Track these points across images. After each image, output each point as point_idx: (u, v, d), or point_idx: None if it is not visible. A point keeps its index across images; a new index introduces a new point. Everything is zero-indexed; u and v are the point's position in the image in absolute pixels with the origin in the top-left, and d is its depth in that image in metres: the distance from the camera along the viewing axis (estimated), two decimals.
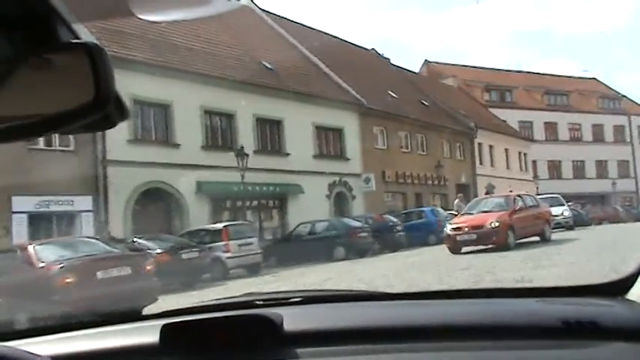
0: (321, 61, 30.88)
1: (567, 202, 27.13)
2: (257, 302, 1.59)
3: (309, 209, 24.12)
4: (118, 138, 18.62)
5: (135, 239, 15.01)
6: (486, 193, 31.22)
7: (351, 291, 2.29)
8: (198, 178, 21.97)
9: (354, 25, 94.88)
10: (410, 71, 44.84)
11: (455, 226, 16.48)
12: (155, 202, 20.83)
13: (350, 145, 29.26)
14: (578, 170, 52.22)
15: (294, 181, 25.49)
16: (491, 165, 41.33)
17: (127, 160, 19.38)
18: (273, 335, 1.30)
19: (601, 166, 53.16)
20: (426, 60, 51.74)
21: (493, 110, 47.82)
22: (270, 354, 1.30)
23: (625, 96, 56.99)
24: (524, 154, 46.10)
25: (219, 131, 23.81)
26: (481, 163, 40.15)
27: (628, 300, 1.34)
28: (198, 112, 22.47)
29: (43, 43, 0.76)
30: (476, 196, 29.80)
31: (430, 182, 33.90)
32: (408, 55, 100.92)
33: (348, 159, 29.14)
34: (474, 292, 1.80)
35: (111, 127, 0.82)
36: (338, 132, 29.03)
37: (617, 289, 1.38)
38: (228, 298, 1.81)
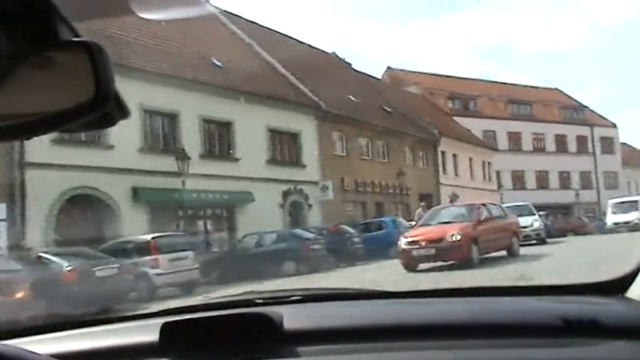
0: (277, 61, 28.85)
1: (538, 211, 24.86)
2: (257, 300, 1.58)
3: (261, 219, 21.94)
4: (39, 137, 16.18)
5: (41, 253, 12.63)
6: (450, 203, 29.51)
7: (351, 289, 2.02)
8: (134, 183, 19.66)
9: (316, 30, 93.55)
10: (372, 77, 43.17)
11: (410, 239, 14.20)
12: (84, 211, 18.45)
13: (307, 151, 27.22)
14: (542, 181, 51.15)
15: (245, 189, 23.32)
16: (455, 174, 39.77)
17: (50, 162, 16.98)
18: (273, 333, 1.28)
19: (564, 176, 52.20)
20: (388, 67, 50.21)
21: (457, 119, 46.40)
22: (270, 352, 1.28)
23: (587, 106, 56.31)
24: (489, 163, 44.73)
25: (161, 133, 21.51)
26: (445, 172, 38.54)
27: (627, 298, 1.34)
28: (136, 111, 20.10)
29: (43, 41, 0.75)
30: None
31: (392, 191, 32.04)
32: (370, 62, 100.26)
33: (304, 165, 27.09)
34: (473, 290, 1.67)
35: (111, 126, 0.81)
36: (294, 136, 26.99)
37: (616, 287, 1.38)
38: (228, 296, 1.80)
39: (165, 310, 1.63)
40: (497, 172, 46.41)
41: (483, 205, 16.21)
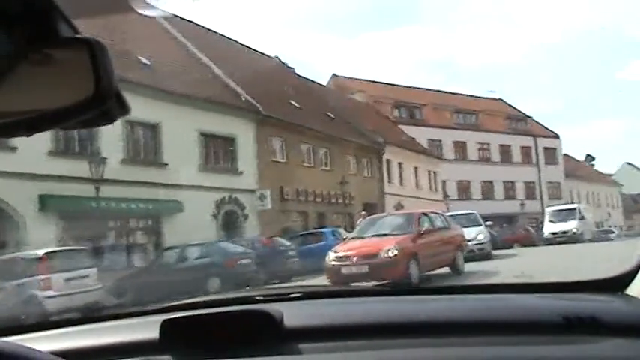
0: (213, 62, 26.91)
1: (485, 222, 22.94)
2: (257, 297, 1.58)
3: (191, 231, 19.85)
4: None
5: None
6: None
7: (351, 286, 1.26)
8: (42, 191, 17.37)
9: (264, 40, 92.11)
10: (317, 83, 41.63)
11: (339, 254, 12.23)
12: None
13: (243, 157, 25.32)
14: (487, 191, 50.53)
15: (173, 198, 21.23)
16: (401, 183, 38.51)
17: None
18: (274, 330, 1.28)
19: (509, 187, 51.75)
20: (334, 74, 48.83)
21: (402, 127, 45.29)
22: (270, 349, 1.27)
23: (530, 117, 56.24)
24: (434, 173, 43.71)
25: (76, 134, 19.22)
26: (390, 181, 37.21)
27: (628, 295, 1.33)
28: None
29: (43, 39, 0.75)
30: None
31: (334, 200, 30.44)
32: (318, 73, 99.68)
33: (240, 172, 25.17)
34: (474, 287, 1.76)
35: (111, 123, 0.80)
36: (229, 141, 25.05)
37: (616, 284, 1.38)
38: (228, 293, 1.86)
39: (166, 307, 1.61)
40: (444, 182, 45.48)
41: (424, 214, 14.21)
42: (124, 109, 0.81)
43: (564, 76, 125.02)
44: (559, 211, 35.36)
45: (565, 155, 60.25)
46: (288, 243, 19.12)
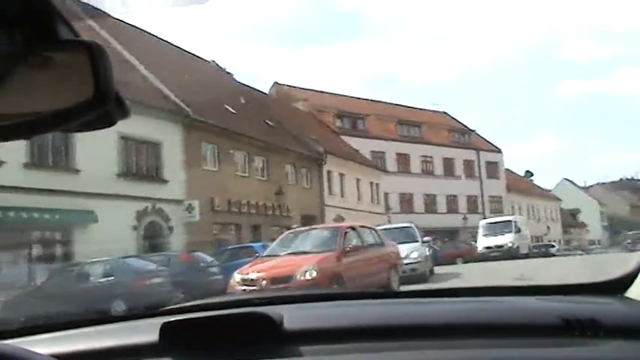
0: (139, 62, 24.73)
1: (428, 235, 20.78)
2: (257, 300, 1.58)
3: (107, 244, 17.63)
4: None
5: None
6: None
7: (351, 290, 1.36)
8: None
9: (211, 50, 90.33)
10: (258, 91, 39.78)
11: (245, 276, 10.37)
12: None
13: (170, 164, 23.18)
14: (430, 204, 49.65)
15: (86, 207, 18.93)
16: (342, 195, 36.97)
17: None
18: (273, 333, 1.28)
19: (452, 200, 51.02)
20: (275, 82, 47.07)
21: (345, 138, 43.87)
22: (270, 352, 1.27)
23: (473, 130, 55.85)
24: (377, 185, 42.41)
25: None
26: (331, 193, 35.61)
27: (627, 298, 1.33)
28: None
29: (43, 41, 0.76)
30: None
31: (271, 212, 28.57)
32: (261, 80, 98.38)
33: (165, 181, 23.02)
34: (474, 290, 1.68)
35: (111, 125, 0.81)
36: (154, 146, 22.88)
37: (616, 287, 1.38)
38: (228, 296, 1.93)
39: (165, 309, 1.61)
40: (386, 195, 44.26)
41: (352, 228, 12.09)
42: (123, 111, 0.80)
43: (505, 94, 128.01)
44: (493, 223, 33.21)
45: (507, 170, 60.24)
46: (209, 259, 17.09)
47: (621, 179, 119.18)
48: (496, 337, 1.23)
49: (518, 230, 32.54)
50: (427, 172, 50.15)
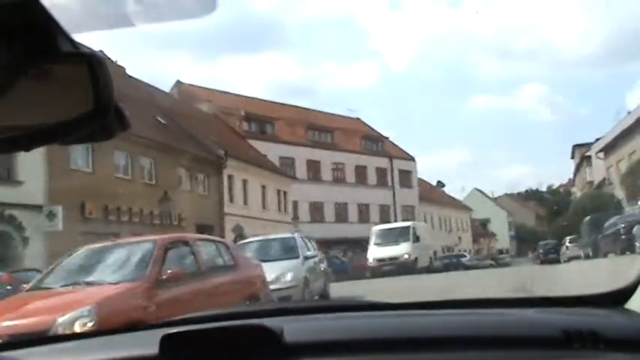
0: None
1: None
2: (257, 312, 1.57)
3: None
4: None
5: None
6: (235, 239, 22.93)
7: (353, 301, 2.19)
8: None
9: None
10: (154, 87, 35.79)
11: None
12: None
13: (26, 162, 19.08)
14: (341, 213, 47.04)
15: None
16: (245, 203, 33.60)
17: None
18: (274, 345, 1.26)
19: (363, 209, 48.68)
20: (178, 80, 43.17)
21: (253, 142, 40.56)
22: None
23: (387, 138, 53.91)
24: (285, 192, 39.30)
25: None
26: (232, 200, 32.16)
27: (627, 310, 1.32)
28: None
29: (42, 53, 0.74)
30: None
31: (159, 221, 24.82)
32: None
33: (19, 182, 18.92)
34: (473, 302, 1.67)
35: (111, 137, 0.80)
36: None
37: (616, 299, 1.37)
38: (229, 308, 1.86)
39: (165, 321, 1.60)
40: (295, 203, 41.26)
41: (180, 242, 7.60)
42: (123, 123, 0.80)
43: (418, 105, 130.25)
44: (388, 230, 27.92)
45: (420, 179, 58.78)
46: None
47: (527, 191, 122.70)
48: (495, 350, 1.22)
49: (417, 239, 27.37)
50: (339, 180, 47.58)
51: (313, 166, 45.80)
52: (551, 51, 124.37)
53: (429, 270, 27.14)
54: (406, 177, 53.21)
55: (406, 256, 26.00)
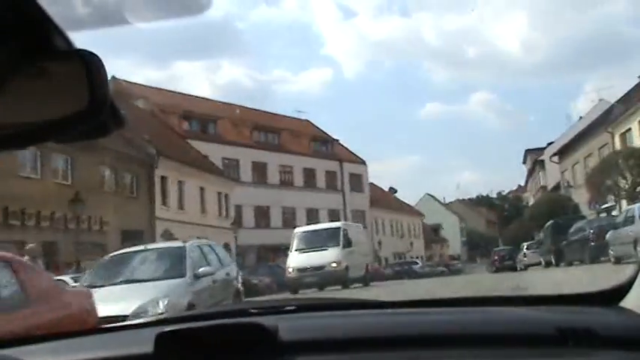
0: None
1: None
2: (252, 310, 1.55)
3: None
4: None
5: None
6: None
7: (347, 299, 2.04)
8: None
9: None
10: None
11: None
12: None
13: None
14: (288, 218, 44.33)
15: None
16: (181, 207, 30.57)
17: None
18: (268, 344, 1.25)
19: (312, 214, 46.09)
20: (113, 76, 39.68)
21: (194, 143, 37.49)
22: None
23: (337, 140, 51.55)
24: (226, 195, 36.39)
25: None
26: (165, 204, 29.11)
27: (622, 308, 1.32)
28: None
29: (37, 51, 0.75)
30: None
31: (73, 226, 21.63)
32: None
33: None
34: (469, 300, 1.68)
35: (106, 135, 0.81)
36: None
37: (611, 297, 1.36)
38: (223, 306, 1.47)
39: (160, 320, 1.59)
40: (239, 207, 38.40)
41: None
42: (118, 121, 0.81)
43: (371, 110, 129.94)
44: (312, 233, 22.35)
45: (370, 184, 56.70)
46: None
47: (477, 196, 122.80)
48: (490, 348, 1.21)
49: (349, 243, 21.85)
50: (286, 183, 44.91)
51: (259, 169, 43.01)
52: (499, 60, 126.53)
53: (365, 279, 22.60)
54: (357, 181, 50.96)
55: (334, 264, 20.46)
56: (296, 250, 21.66)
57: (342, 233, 21.97)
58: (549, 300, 1.50)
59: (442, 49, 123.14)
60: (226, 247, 33.31)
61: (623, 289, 1.35)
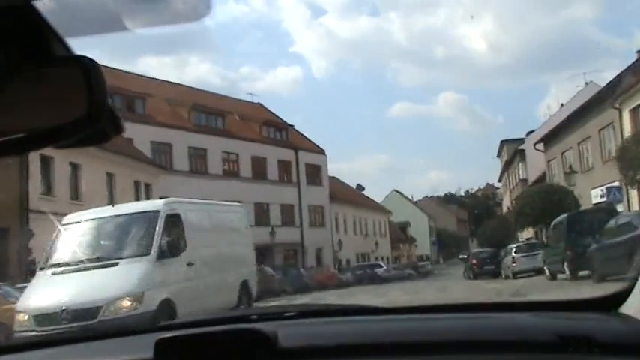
0: None
1: None
2: (251, 316, 1.53)
3: None
4: None
5: None
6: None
7: (346, 305, 1.88)
8: None
9: None
10: None
11: None
12: None
13: None
14: None
15: None
16: (76, 197, 23.37)
17: None
18: (268, 350, 1.24)
19: (261, 209, 39.14)
20: None
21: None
22: None
23: (292, 125, 44.65)
24: (147, 185, 29.20)
25: None
26: (50, 193, 21.89)
27: (621, 314, 1.30)
28: None
29: (37, 58, 0.74)
30: None
31: None
32: None
33: None
34: (469, 306, 1.62)
35: (105, 142, 0.79)
36: None
37: (610, 303, 1.35)
38: (223, 312, 1.72)
39: (160, 325, 1.57)
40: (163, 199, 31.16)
41: None
42: (117, 127, 0.79)
43: (340, 108, 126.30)
44: (98, 225, 10.09)
45: (333, 178, 49.97)
46: None
47: (446, 194, 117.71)
48: (490, 354, 1.19)
49: (175, 247, 10.16)
50: (230, 174, 37.81)
51: (197, 156, 35.82)
52: (468, 61, 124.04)
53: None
54: (315, 173, 44.10)
55: (124, 303, 9.07)
56: (52, 269, 9.92)
57: (160, 225, 9.90)
58: (549, 306, 1.48)
59: (411, 49, 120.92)
60: None
61: (622, 295, 1.32)
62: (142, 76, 38.31)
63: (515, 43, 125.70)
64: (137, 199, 28.04)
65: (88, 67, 0.72)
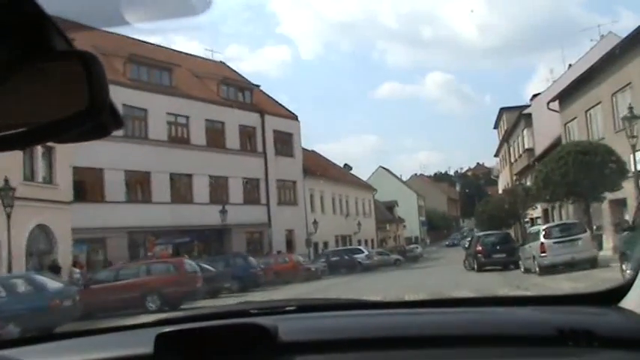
0: None
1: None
2: (252, 311, 1.52)
3: None
4: None
5: None
6: None
7: (346, 299, 1.92)
8: None
9: None
10: None
11: None
12: None
13: None
14: (181, 190, 30.23)
15: None
16: None
17: None
18: (268, 344, 1.23)
19: (218, 184, 32.09)
20: None
21: None
22: None
23: (258, 85, 37.38)
24: (50, 149, 22.00)
25: None
26: None
27: (621, 308, 1.29)
28: None
29: (38, 52, 0.74)
30: None
31: None
32: None
33: None
34: (469, 300, 1.63)
35: (106, 135, 0.79)
36: None
37: (610, 297, 1.34)
38: (224, 306, 1.77)
39: (160, 320, 1.54)
40: (99, 172, 24.25)
41: None
42: (117, 121, 0.79)
43: (327, 89, 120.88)
44: None
45: (311, 151, 43.03)
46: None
47: (436, 174, 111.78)
48: (491, 347, 1.18)
49: None
50: (178, 140, 30.62)
51: (135, 117, 28.54)
52: (456, 42, 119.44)
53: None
54: (285, 141, 36.99)
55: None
56: None
57: None
58: (549, 300, 1.49)
59: (399, 30, 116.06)
60: (44, 229, 19.52)
61: (622, 290, 1.32)
62: (69, 21, 30.87)
63: (502, 23, 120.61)
64: (33, 168, 21.02)
65: (88, 61, 0.71)
